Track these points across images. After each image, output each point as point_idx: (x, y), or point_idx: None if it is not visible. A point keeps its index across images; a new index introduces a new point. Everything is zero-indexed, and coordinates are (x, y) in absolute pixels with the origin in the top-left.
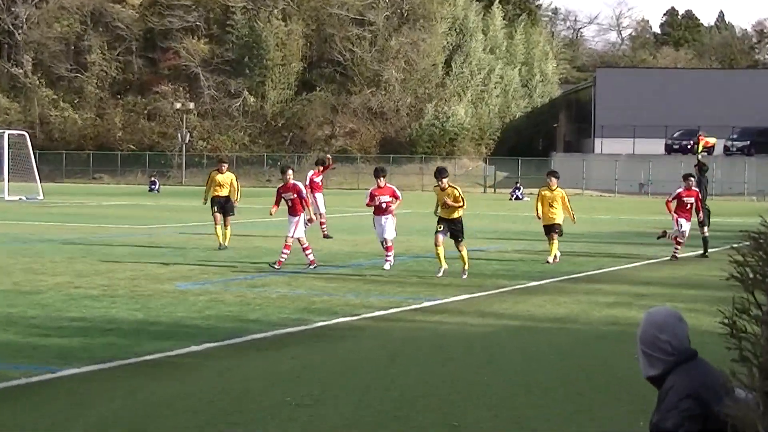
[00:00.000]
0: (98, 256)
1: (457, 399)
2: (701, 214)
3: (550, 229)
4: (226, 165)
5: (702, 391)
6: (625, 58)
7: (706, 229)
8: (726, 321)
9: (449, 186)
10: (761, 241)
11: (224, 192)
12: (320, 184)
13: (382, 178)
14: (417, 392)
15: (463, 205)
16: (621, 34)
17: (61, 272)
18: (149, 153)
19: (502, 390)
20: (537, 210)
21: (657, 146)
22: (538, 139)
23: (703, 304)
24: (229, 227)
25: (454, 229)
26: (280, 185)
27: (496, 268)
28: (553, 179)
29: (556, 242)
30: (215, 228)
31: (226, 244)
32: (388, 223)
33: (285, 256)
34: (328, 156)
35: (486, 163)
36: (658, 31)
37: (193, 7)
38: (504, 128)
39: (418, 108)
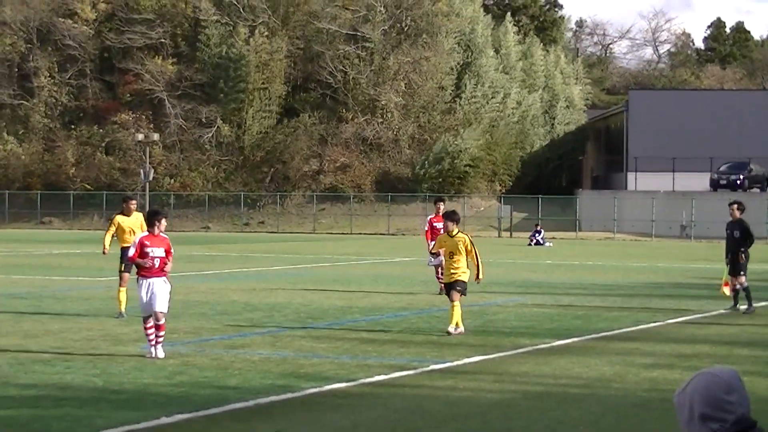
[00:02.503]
0: (49, 314)
1: None
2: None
3: (451, 287)
4: (134, 202)
5: None
6: (662, 78)
7: (743, 278)
8: None
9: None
10: None
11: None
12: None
13: None
14: None
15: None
16: (658, 50)
17: (7, 332)
18: (107, 192)
19: None
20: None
21: (701, 181)
22: (561, 173)
23: (760, 366)
24: None
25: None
26: None
27: (515, 324)
28: (450, 223)
29: (457, 306)
30: (119, 292)
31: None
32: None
33: None
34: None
35: (501, 202)
36: (702, 46)
37: (157, 21)
38: (522, 162)
39: (422, 138)
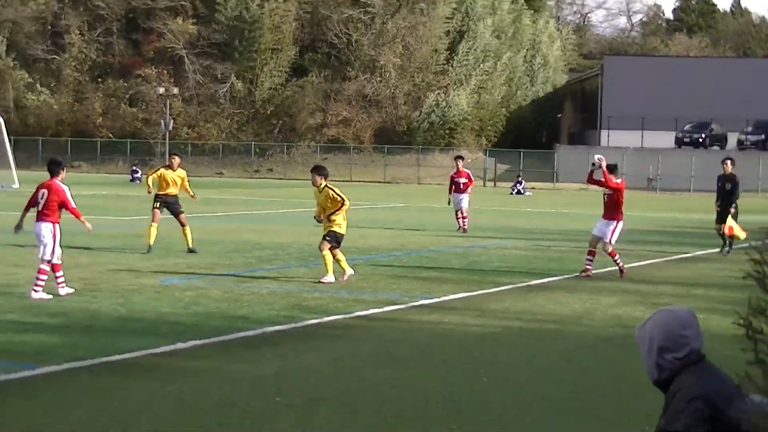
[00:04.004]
0: (78, 249)
1: (454, 406)
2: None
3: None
4: (178, 159)
5: (712, 393)
6: (634, 45)
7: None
8: (741, 322)
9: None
10: None
11: (173, 191)
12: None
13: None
14: (413, 397)
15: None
16: (631, 19)
17: (35, 265)
18: (130, 140)
19: (503, 396)
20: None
21: (667, 139)
22: (541, 130)
23: (714, 305)
24: (187, 226)
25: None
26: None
27: (496, 265)
28: (315, 176)
29: (326, 255)
30: (150, 227)
31: (191, 245)
32: None
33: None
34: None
35: (486, 155)
36: (671, 16)
37: None
38: (507, 119)
39: (416, 96)
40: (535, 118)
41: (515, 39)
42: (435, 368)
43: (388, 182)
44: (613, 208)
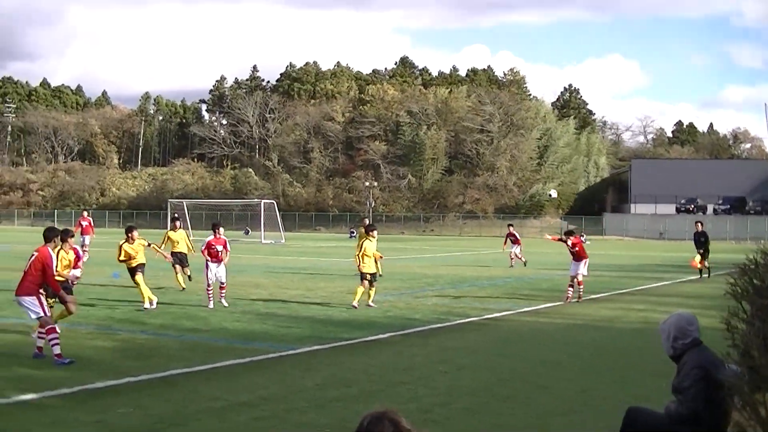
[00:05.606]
0: (319, 278)
1: (544, 371)
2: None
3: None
4: (367, 220)
5: (707, 364)
6: (649, 152)
7: (706, 262)
8: (724, 321)
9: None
10: (745, 269)
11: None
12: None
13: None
14: (519, 367)
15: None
16: (647, 137)
17: (297, 287)
18: (349, 213)
19: (575, 367)
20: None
21: (671, 208)
22: (595, 204)
23: (705, 310)
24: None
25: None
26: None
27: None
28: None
29: (360, 288)
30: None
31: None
32: None
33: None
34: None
35: (561, 219)
36: (671, 135)
37: (376, 122)
38: (574, 198)
39: (520, 185)
40: (591, 196)
41: (577, 150)
42: (532, 348)
43: (503, 236)
44: (580, 255)
